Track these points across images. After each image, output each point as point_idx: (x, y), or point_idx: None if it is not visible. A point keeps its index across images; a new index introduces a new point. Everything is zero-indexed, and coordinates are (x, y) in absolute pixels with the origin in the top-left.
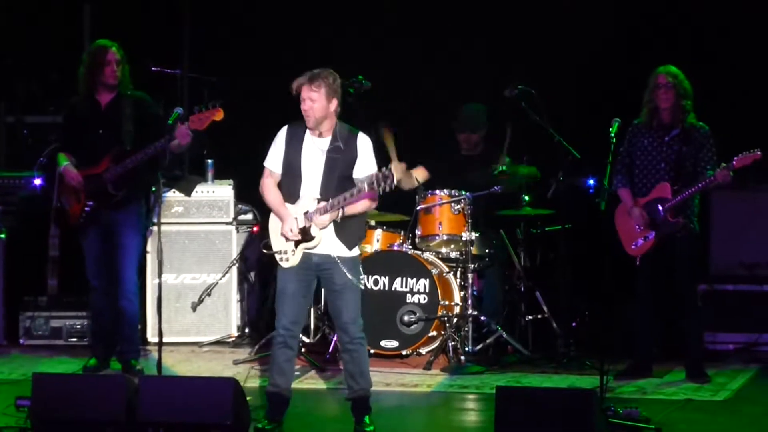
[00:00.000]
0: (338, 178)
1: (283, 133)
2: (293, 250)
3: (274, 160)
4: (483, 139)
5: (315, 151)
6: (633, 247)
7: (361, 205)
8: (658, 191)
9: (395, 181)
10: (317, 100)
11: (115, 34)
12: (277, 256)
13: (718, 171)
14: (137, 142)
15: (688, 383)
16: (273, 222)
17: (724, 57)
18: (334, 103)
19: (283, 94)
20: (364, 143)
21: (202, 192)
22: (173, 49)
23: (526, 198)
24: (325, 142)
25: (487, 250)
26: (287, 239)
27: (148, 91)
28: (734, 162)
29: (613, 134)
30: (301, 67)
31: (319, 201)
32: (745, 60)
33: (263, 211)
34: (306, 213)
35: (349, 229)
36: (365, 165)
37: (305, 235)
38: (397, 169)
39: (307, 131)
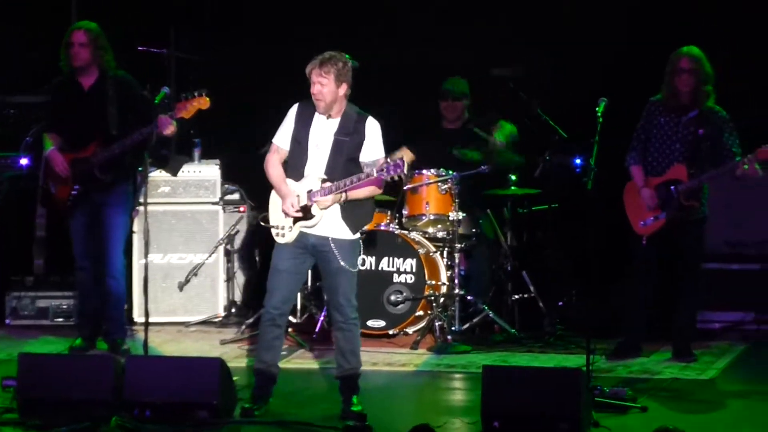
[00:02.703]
0: (345, 160)
1: (293, 110)
2: (290, 227)
3: (283, 136)
4: (466, 110)
5: (324, 131)
6: (642, 225)
7: (366, 190)
8: (674, 173)
9: (405, 171)
10: (327, 85)
11: (101, 13)
12: (273, 231)
13: (742, 164)
14: (123, 125)
15: (675, 362)
16: (273, 197)
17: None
18: (344, 88)
19: (271, 74)
20: (372, 127)
21: (188, 172)
22: (160, 28)
23: (513, 177)
24: (334, 124)
25: (474, 230)
26: (287, 215)
27: (134, 71)
28: (758, 153)
29: (599, 113)
30: (289, 46)
31: (323, 181)
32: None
33: (250, 192)
34: (309, 191)
35: (356, 213)
36: (372, 149)
37: (305, 213)
38: (406, 154)
39: (317, 112)
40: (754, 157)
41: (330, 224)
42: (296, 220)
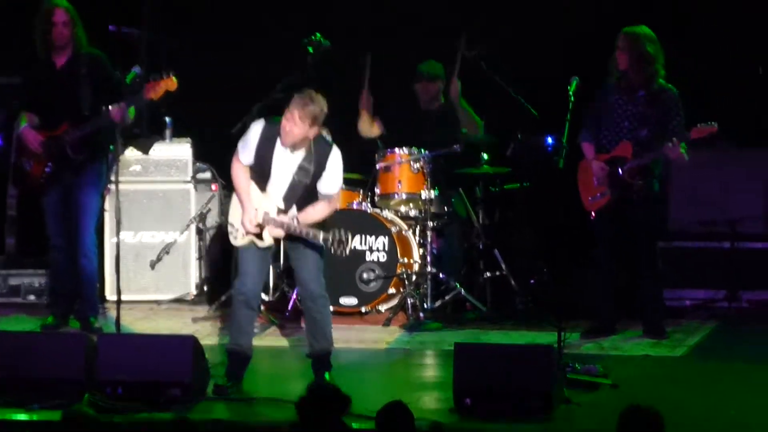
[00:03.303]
0: (303, 189)
1: (258, 129)
2: (243, 235)
3: (247, 152)
4: (440, 93)
5: (286, 160)
6: (590, 200)
7: (320, 214)
8: (620, 150)
9: (347, 250)
10: (299, 126)
11: None
12: (229, 229)
13: (671, 147)
14: (95, 105)
15: (646, 339)
16: (235, 199)
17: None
18: (315, 131)
19: (243, 53)
20: (334, 158)
21: (160, 151)
22: (132, 7)
23: (485, 156)
24: (299, 155)
25: (446, 208)
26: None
27: (105, 50)
28: (691, 133)
29: (571, 93)
30: (261, 25)
31: (279, 211)
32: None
33: (221, 171)
34: (266, 213)
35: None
36: (330, 181)
37: (260, 230)
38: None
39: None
40: (680, 140)
41: None
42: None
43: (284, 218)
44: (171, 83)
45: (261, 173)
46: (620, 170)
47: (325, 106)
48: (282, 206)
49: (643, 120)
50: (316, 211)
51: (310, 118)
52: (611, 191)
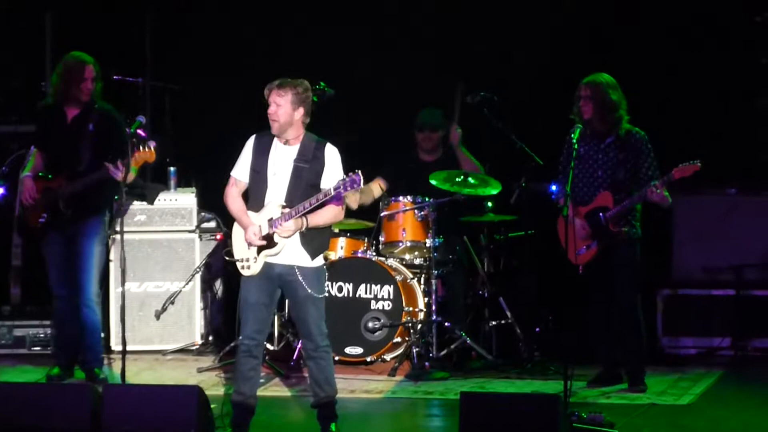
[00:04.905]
0: (305, 186)
1: (250, 142)
2: (255, 258)
3: (241, 169)
4: (441, 141)
5: (282, 159)
6: (576, 254)
7: (327, 214)
8: (600, 200)
9: (361, 185)
10: (282, 105)
11: (76, 42)
12: (239, 264)
13: (653, 191)
14: (94, 161)
15: (628, 392)
16: (236, 230)
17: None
18: (300, 112)
19: (246, 101)
20: (331, 153)
21: (164, 200)
22: (135, 56)
23: (489, 204)
24: (293, 151)
25: (450, 256)
26: (250, 246)
27: (109, 99)
28: (673, 173)
29: (574, 140)
30: (263, 74)
31: (283, 208)
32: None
33: (226, 219)
34: (270, 219)
35: (315, 239)
36: (332, 175)
37: (269, 241)
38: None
39: (275, 140)
40: (665, 181)
41: (294, 253)
42: (260, 250)
43: (288, 210)
44: (150, 155)
45: (258, 184)
46: (603, 220)
47: (306, 86)
48: (285, 204)
49: (616, 165)
50: (325, 212)
51: (291, 94)
52: (597, 242)
